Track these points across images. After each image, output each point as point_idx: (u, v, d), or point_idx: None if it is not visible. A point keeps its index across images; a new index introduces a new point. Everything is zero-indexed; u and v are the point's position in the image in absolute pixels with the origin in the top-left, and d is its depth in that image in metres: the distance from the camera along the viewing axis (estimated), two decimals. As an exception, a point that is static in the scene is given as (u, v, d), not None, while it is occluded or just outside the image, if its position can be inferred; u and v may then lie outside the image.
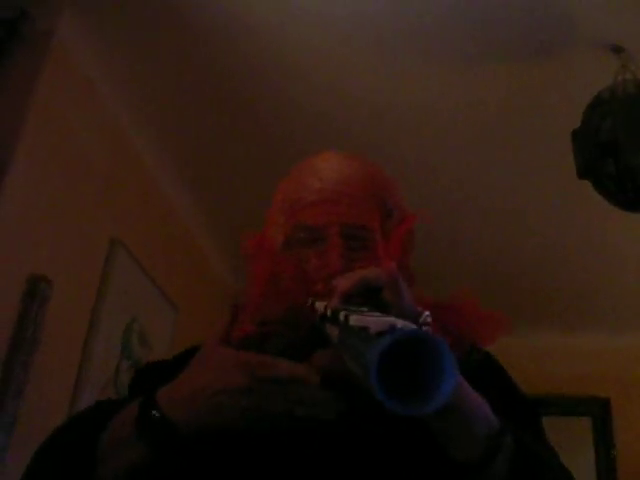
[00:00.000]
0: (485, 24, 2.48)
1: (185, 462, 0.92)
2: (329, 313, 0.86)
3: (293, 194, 1.12)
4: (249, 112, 2.94)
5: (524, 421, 1.05)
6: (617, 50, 2.52)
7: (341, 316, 0.80)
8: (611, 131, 2.33)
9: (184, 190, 3.44)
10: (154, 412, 0.92)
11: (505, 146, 3.01)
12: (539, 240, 3.64)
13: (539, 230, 3.56)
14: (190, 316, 3.57)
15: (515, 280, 3.96)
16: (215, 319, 3.21)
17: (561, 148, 2.55)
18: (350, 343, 0.77)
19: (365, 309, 0.84)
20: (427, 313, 0.89)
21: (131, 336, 3.02)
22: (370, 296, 0.90)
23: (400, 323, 0.74)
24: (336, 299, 0.90)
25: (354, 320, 0.77)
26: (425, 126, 2.95)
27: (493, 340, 1.10)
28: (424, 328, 0.87)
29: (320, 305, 0.92)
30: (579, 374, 4.34)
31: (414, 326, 0.75)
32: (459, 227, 3.50)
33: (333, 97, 2.85)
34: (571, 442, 4.24)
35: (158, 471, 0.93)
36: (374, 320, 0.75)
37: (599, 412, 4.35)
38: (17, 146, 2.37)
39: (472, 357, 1.09)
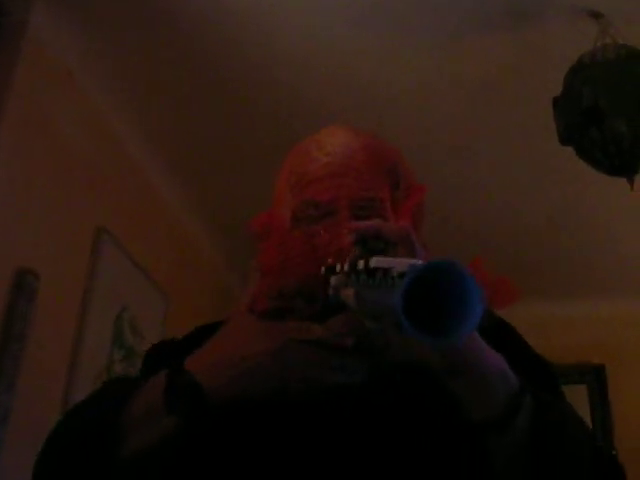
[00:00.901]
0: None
1: (214, 431, 0.92)
2: (346, 266, 0.85)
3: (299, 169, 1.11)
4: (234, 95, 2.92)
5: (542, 382, 1.05)
6: (596, 16, 2.51)
7: (360, 264, 0.79)
8: (593, 96, 2.32)
9: (172, 176, 3.42)
10: (184, 378, 0.91)
11: (489, 116, 2.99)
12: (530, 210, 3.64)
13: (529, 200, 3.55)
14: (181, 303, 3.56)
15: (507, 250, 3.95)
16: (205, 308, 3.22)
17: (544, 115, 2.54)
18: (370, 296, 0.77)
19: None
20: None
21: (122, 325, 3.01)
22: (384, 251, 0.89)
23: (419, 263, 0.73)
24: (351, 239, 0.90)
25: (375, 262, 0.76)
26: (410, 100, 2.94)
27: (505, 305, 1.09)
28: None
29: (335, 267, 0.91)
30: (573, 342, 4.35)
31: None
32: (448, 200, 3.48)
33: (317, 78, 2.84)
34: (568, 410, 4.26)
35: (184, 444, 0.92)
36: (396, 260, 0.74)
37: (594, 379, 4.37)
38: (-2, 140, 2.35)
39: (485, 320, 1.08)
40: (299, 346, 0.89)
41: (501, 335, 1.09)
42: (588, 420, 4.26)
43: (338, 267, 0.90)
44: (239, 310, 0.98)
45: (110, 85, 2.84)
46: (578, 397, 4.32)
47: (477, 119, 3.03)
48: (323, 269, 0.96)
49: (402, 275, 0.70)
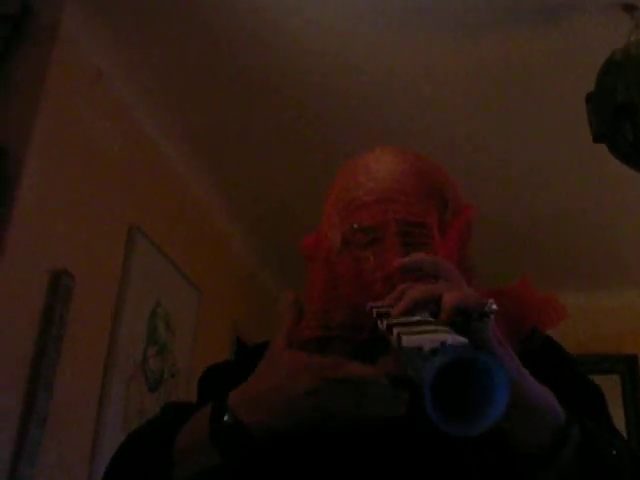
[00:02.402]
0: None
1: (257, 464, 0.95)
2: (384, 327, 0.85)
3: (347, 194, 1.10)
4: (264, 92, 2.93)
5: (589, 407, 1.05)
6: (629, 9, 2.47)
7: (394, 334, 0.80)
8: (626, 93, 2.30)
9: (201, 172, 3.44)
10: (226, 416, 0.94)
11: (519, 112, 2.98)
12: (561, 202, 3.62)
13: (559, 191, 3.53)
14: (213, 297, 3.59)
15: (539, 242, 3.95)
16: (237, 302, 3.26)
17: (575, 112, 2.52)
18: (408, 355, 0.77)
19: (418, 317, 0.84)
20: (491, 300, 0.87)
21: (157, 321, 3.04)
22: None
23: (450, 338, 0.73)
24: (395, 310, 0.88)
25: (406, 341, 0.76)
26: (435, 93, 2.93)
27: (553, 324, 1.09)
28: (490, 317, 0.86)
29: (377, 310, 0.91)
30: (606, 332, 4.33)
31: (465, 340, 0.74)
32: (476, 194, 3.47)
33: (340, 70, 2.84)
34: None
35: (231, 474, 0.95)
36: (427, 338, 0.74)
37: (627, 369, 4.35)
38: (31, 141, 2.38)
39: (533, 342, 1.08)
40: (336, 385, 0.90)
41: (548, 354, 1.12)
42: (621, 410, 4.25)
43: (380, 321, 0.90)
44: (280, 342, 0.98)
45: (140, 84, 2.86)
46: (611, 387, 4.31)
47: (506, 113, 3.01)
48: (369, 305, 0.95)
49: (434, 351, 0.70)
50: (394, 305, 0.88)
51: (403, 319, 0.84)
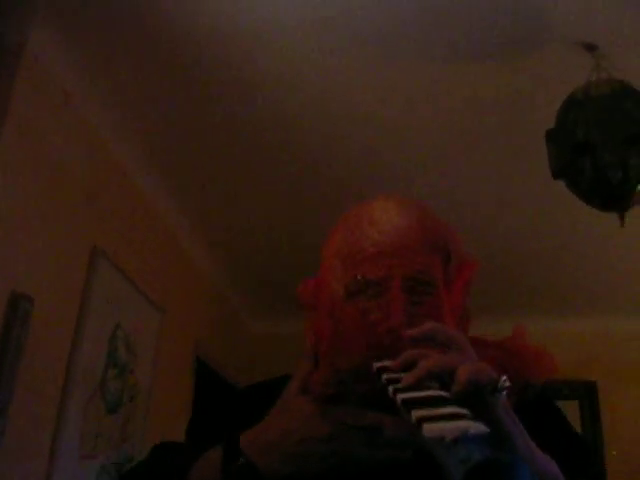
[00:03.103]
0: (457, 25, 2.47)
1: None
2: (397, 399, 0.86)
3: (352, 245, 1.10)
4: (229, 116, 2.94)
5: (584, 464, 1.09)
6: (590, 48, 2.51)
7: (413, 417, 0.80)
8: (585, 132, 2.34)
9: (166, 193, 3.44)
10: (241, 459, 0.95)
11: (481, 145, 3.02)
12: (522, 227, 3.66)
13: (525, 222, 3.58)
14: (175, 318, 3.59)
15: (503, 269, 3.98)
16: (200, 320, 3.24)
17: (535, 148, 2.56)
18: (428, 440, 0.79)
19: (430, 391, 0.85)
20: (504, 378, 0.88)
21: (117, 343, 3.03)
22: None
23: (473, 427, 0.75)
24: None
25: (428, 431, 0.76)
26: (399, 125, 2.96)
27: (545, 376, 1.11)
28: (503, 393, 0.88)
29: (387, 377, 0.92)
30: (566, 359, 4.29)
31: (485, 428, 0.76)
32: (448, 220, 3.52)
33: (311, 99, 2.86)
34: (559, 425, 4.30)
35: None
36: (448, 428, 0.75)
37: (586, 395, 4.40)
38: (-6, 162, 2.36)
39: (527, 394, 1.08)
40: (352, 432, 0.93)
41: (543, 411, 1.14)
42: (579, 435, 4.30)
43: (390, 390, 0.90)
44: (294, 389, 1.00)
45: (108, 106, 2.85)
46: (570, 412, 4.33)
47: (467, 147, 3.05)
48: (375, 366, 0.96)
49: (456, 441, 0.73)
50: (401, 369, 0.90)
51: (416, 394, 0.84)
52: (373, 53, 2.61)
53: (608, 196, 2.37)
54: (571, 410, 4.36)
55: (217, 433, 1.01)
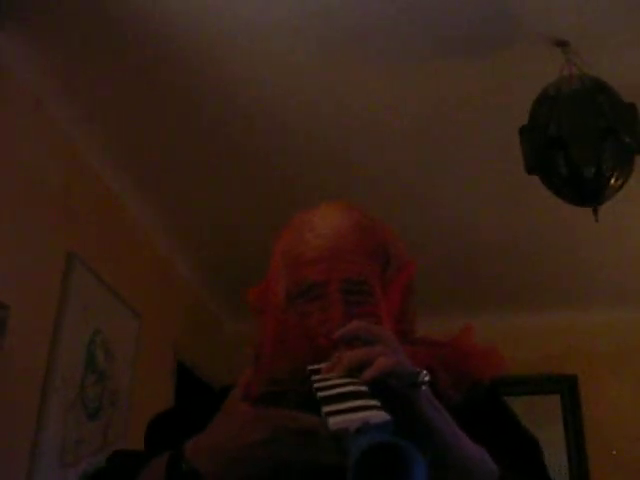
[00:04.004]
0: (428, 23, 2.47)
1: None
2: (318, 397, 0.88)
3: (293, 250, 1.14)
4: (202, 118, 2.93)
5: (525, 458, 1.10)
6: (561, 44, 2.52)
7: (323, 413, 0.83)
8: (557, 128, 2.35)
9: (142, 198, 3.43)
10: (183, 465, 0.96)
11: (454, 142, 3.03)
12: (505, 227, 3.68)
13: (496, 216, 3.59)
14: (153, 322, 3.57)
15: (479, 264, 4.01)
16: (178, 324, 3.23)
17: (510, 142, 2.57)
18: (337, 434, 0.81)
19: (350, 387, 0.87)
20: (425, 372, 0.91)
21: (95, 349, 3.01)
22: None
23: (375, 416, 0.77)
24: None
25: (333, 424, 0.79)
26: (374, 125, 2.96)
27: (492, 374, 1.14)
28: (423, 387, 0.90)
29: (315, 382, 0.94)
30: (547, 353, 4.40)
31: (388, 417, 0.78)
32: (415, 219, 3.53)
33: (285, 100, 2.85)
34: (541, 419, 4.32)
35: None
36: (351, 418, 0.78)
37: (567, 389, 4.42)
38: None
39: (475, 393, 1.12)
40: (290, 435, 0.93)
41: (487, 406, 1.15)
42: (561, 428, 4.33)
43: (320, 380, 0.93)
44: (236, 394, 1.01)
45: (80, 111, 2.84)
46: (551, 406, 4.39)
47: (441, 145, 3.06)
48: (308, 369, 0.98)
49: (358, 431, 0.76)
50: (330, 371, 0.92)
51: (334, 391, 0.87)
52: (348, 54, 2.61)
53: (582, 191, 2.39)
54: (553, 404, 4.40)
55: (171, 441, 1.02)
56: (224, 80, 2.73)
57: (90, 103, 2.82)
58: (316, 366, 0.97)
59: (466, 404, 1.04)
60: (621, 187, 2.41)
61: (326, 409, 0.83)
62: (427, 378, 0.90)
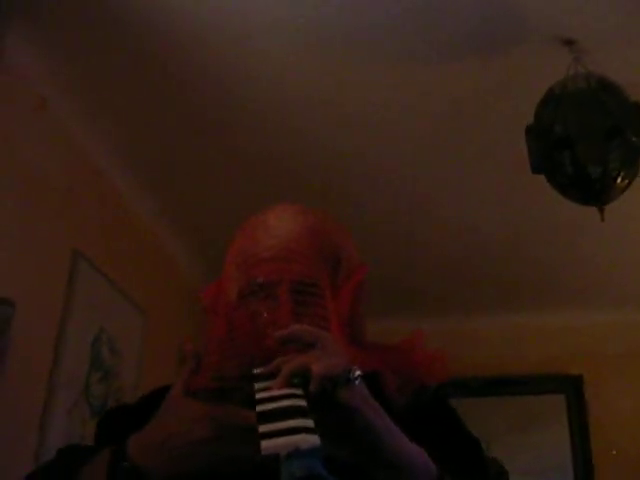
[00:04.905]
0: (434, 22, 2.46)
1: None
2: (256, 410, 0.89)
3: (247, 250, 1.16)
4: (208, 117, 2.93)
5: (467, 458, 1.13)
6: (568, 43, 2.52)
7: (258, 431, 0.84)
8: (563, 127, 2.34)
9: (146, 195, 3.42)
10: (125, 463, 0.97)
11: (460, 142, 3.02)
12: (508, 227, 3.67)
13: (502, 215, 3.59)
14: (159, 320, 3.57)
15: (482, 264, 4.00)
16: (184, 321, 3.22)
17: (516, 142, 2.56)
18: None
19: (289, 400, 0.88)
20: (356, 368, 0.93)
21: (100, 346, 3.01)
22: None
23: (305, 442, 0.80)
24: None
25: (265, 448, 0.81)
26: (379, 124, 2.96)
27: (438, 380, 1.16)
28: (356, 382, 0.93)
29: (257, 387, 0.95)
30: (551, 353, 4.40)
31: (317, 442, 0.81)
32: (421, 219, 3.54)
33: (292, 100, 2.86)
34: (546, 419, 4.32)
35: None
36: (282, 444, 0.80)
37: (572, 389, 4.41)
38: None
39: (420, 397, 1.14)
40: (235, 432, 0.94)
41: (432, 410, 1.18)
42: (566, 429, 4.33)
43: (263, 383, 0.94)
44: (178, 391, 1.02)
45: (84, 110, 2.84)
46: (557, 407, 4.38)
47: (448, 145, 3.06)
48: (254, 372, 0.99)
49: (289, 456, 0.79)
50: (271, 376, 0.93)
51: (272, 405, 0.88)
52: (352, 54, 2.61)
53: (588, 190, 2.38)
54: (558, 404, 4.39)
55: (120, 436, 1.03)
56: (230, 79, 2.73)
57: (95, 101, 2.82)
58: (259, 370, 0.98)
59: (412, 407, 1.07)
60: (627, 187, 2.41)
61: (260, 429, 0.84)
62: (358, 372, 0.93)
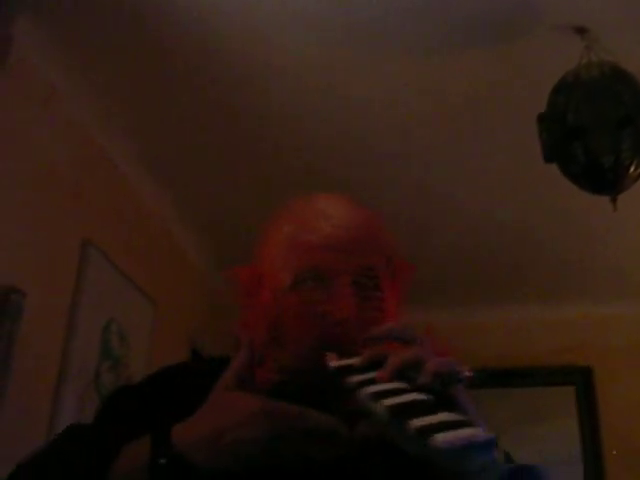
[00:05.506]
0: (446, 11, 2.45)
1: None
2: (381, 408, 0.84)
3: (303, 236, 1.10)
4: (218, 105, 2.92)
5: None
6: (581, 31, 2.50)
7: (411, 428, 0.79)
8: (576, 116, 2.33)
9: (156, 184, 3.42)
10: (170, 450, 0.92)
11: (472, 131, 3.01)
12: (518, 216, 3.66)
13: (512, 206, 3.57)
14: (169, 310, 3.57)
15: (493, 256, 3.99)
16: (194, 311, 3.22)
17: (528, 131, 2.54)
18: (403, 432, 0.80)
19: (412, 394, 0.85)
20: (467, 368, 0.91)
21: (110, 336, 3.02)
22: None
23: (479, 434, 0.77)
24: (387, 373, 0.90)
25: (440, 442, 0.75)
26: (390, 116, 2.95)
27: None
28: (464, 382, 0.91)
29: (356, 379, 0.91)
30: (561, 344, 4.38)
31: (492, 435, 0.77)
32: (432, 211, 3.53)
33: (301, 92, 2.85)
34: (555, 411, 4.31)
35: None
36: (457, 436, 0.76)
37: (582, 381, 4.40)
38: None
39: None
40: (296, 433, 0.91)
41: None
42: (575, 420, 4.31)
43: (357, 374, 0.91)
44: (230, 382, 0.98)
45: (94, 100, 2.84)
46: (566, 398, 4.37)
47: (460, 135, 3.04)
48: (336, 364, 0.96)
49: (466, 449, 0.75)
50: (366, 368, 0.90)
51: (400, 399, 0.84)
52: (365, 47, 2.60)
53: (601, 180, 2.37)
54: (567, 396, 4.37)
55: (123, 417, 1.01)
56: (249, 70, 2.73)
57: (105, 90, 2.82)
58: (341, 362, 0.95)
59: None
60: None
61: (415, 424, 0.79)
62: (468, 373, 0.90)
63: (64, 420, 2.62)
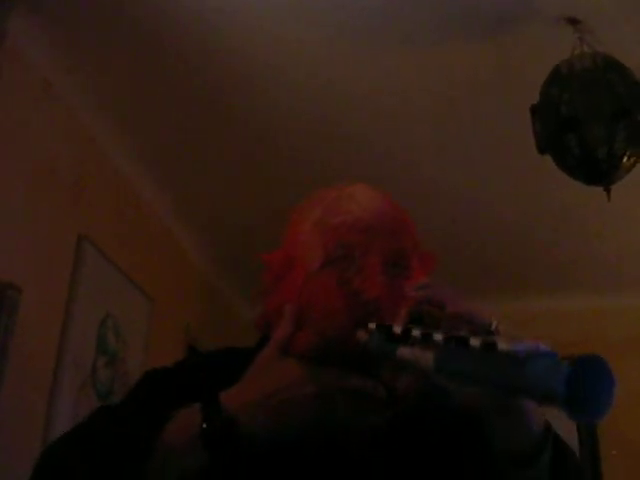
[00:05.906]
0: (439, 3, 2.45)
1: (247, 467, 0.97)
2: (439, 338, 0.87)
3: (334, 218, 1.14)
4: (216, 104, 2.93)
5: None
6: (573, 22, 2.50)
7: (474, 341, 0.83)
8: (570, 106, 2.32)
9: (153, 180, 3.42)
10: (221, 414, 0.96)
11: (467, 122, 3.01)
12: (517, 209, 3.66)
13: (515, 199, 3.57)
14: (165, 305, 3.58)
15: (496, 249, 3.98)
16: (190, 308, 3.23)
17: (522, 122, 2.54)
18: (492, 362, 0.81)
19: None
20: (496, 321, 0.94)
21: (106, 332, 3.02)
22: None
23: (540, 345, 0.79)
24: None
25: (504, 344, 0.79)
26: (387, 105, 2.95)
27: None
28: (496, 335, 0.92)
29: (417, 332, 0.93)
30: (560, 336, 4.34)
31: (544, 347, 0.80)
32: (433, 202, 3.52)
33: (301, 87, 2.86)
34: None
35: (218, 478, 0.97)
36: (520, 344, 0.79)
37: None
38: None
39: None
40: (336, 393, 0.97)
41: None
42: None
43: (396, 328, 0.95)
44: (274, 350, 1.03)
45: (91, 95, 2.84)
46: (564, 392, 4.36)
47: (453, 126, 3.04)
48: (373, 326, 1.00)
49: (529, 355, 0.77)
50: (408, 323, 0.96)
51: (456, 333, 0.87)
52: (361, 40, 2.60)
53: (594, 171, 2.36)
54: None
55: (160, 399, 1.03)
56: (246, 66, 2.74)
57: (102, 85, 2.82)
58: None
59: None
60: (633, 166, 2.39)
61: (477, 340, 0.82)
62: (499, 327, 0.93)
63: (60, 415, 2.62)
